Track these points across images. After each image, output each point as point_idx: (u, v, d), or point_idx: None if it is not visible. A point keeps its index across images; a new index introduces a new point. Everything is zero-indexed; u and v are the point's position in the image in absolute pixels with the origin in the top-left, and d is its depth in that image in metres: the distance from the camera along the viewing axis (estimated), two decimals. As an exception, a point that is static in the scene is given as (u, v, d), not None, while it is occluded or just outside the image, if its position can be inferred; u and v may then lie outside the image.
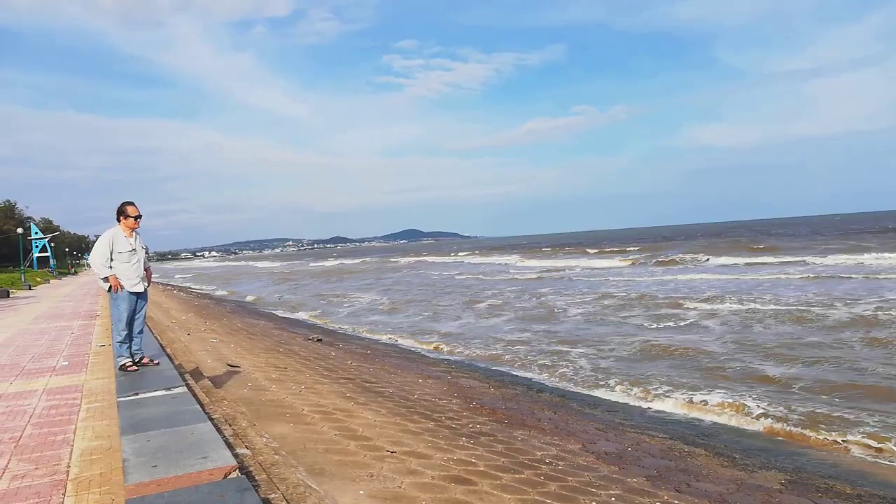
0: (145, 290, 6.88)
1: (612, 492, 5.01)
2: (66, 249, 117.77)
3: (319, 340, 15.56)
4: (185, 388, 5.07)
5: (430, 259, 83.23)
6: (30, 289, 38.86)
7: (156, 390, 4.75)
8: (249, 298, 35.45)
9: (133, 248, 6.68)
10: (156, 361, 6.85)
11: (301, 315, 25.17)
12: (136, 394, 4.64)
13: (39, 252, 78.08)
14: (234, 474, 3.06)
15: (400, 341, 17.02)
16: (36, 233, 77.87)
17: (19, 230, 52.15)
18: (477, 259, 73.55)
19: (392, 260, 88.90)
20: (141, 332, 6.86)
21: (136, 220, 6.73)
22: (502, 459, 5.62)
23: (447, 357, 14.33)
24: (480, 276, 42.26)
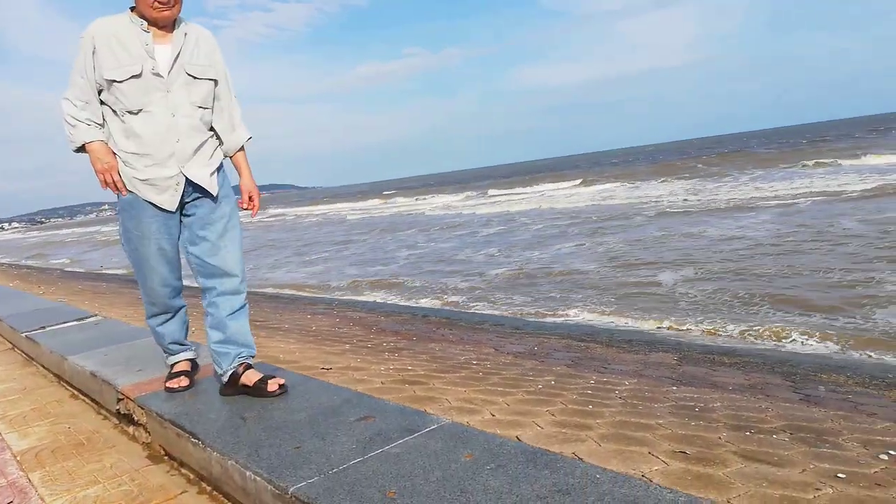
0: (217, 194, 2.99)
1: (547, 378, 5.26)
2: None
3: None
4: (101, 317, 4.51)
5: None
6: None
7: (65, 322, 4.17)
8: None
9: (148, 67, 2.60)
10: (280, 382, 3.08)
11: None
12: (44, 327, 4.07)
13: None
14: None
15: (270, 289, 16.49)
16: None
17: None
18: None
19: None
20: (240, 307, 3.33)
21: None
22: (434, 364, 5.69)
23: (321, 296, 14.11)
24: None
